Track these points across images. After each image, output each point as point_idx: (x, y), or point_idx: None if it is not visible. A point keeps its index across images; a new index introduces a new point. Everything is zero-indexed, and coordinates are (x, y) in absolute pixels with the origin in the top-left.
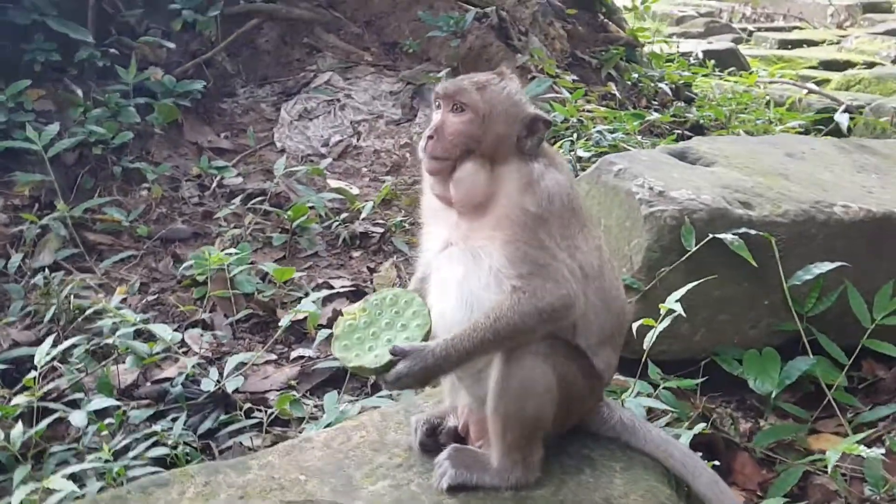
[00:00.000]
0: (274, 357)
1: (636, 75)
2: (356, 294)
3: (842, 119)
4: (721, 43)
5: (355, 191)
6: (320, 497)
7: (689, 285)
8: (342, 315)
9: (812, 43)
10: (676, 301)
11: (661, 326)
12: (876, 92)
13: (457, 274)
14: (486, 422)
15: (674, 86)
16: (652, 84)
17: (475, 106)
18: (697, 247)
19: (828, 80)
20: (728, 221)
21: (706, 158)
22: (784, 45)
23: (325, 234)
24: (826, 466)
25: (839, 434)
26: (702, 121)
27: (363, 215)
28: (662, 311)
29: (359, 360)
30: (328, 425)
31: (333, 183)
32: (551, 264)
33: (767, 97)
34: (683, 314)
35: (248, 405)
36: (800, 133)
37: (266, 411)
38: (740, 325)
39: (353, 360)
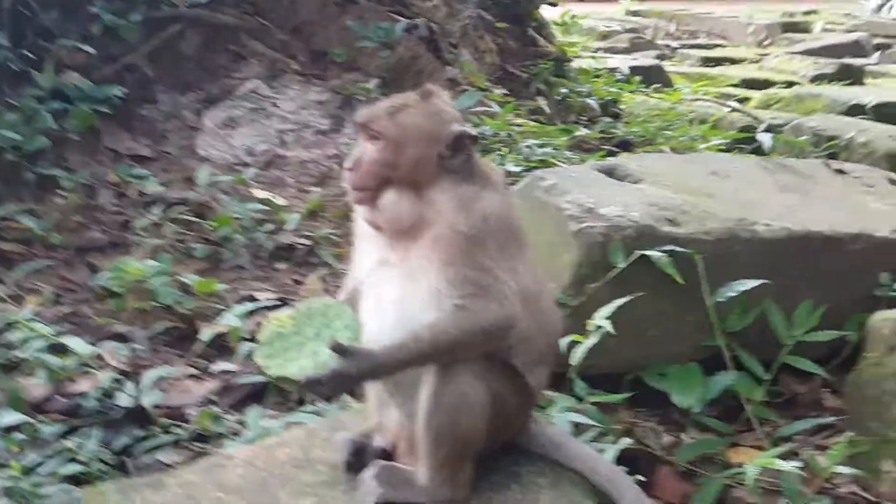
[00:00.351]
0: (194, 371)
1: (565, 90)
2: (281, 307)
3: (764, 139)
4: (646, 59)
5: (281, 201)
6: None
7: (617, 302)
8: (269, 321)
9: (733, 61)
10: (606, 318)
11: (589, 343)
12: (795, 111)
13: (393, 294)
14: (416, 438)
15: (601, 101)
16: (580, 99)
17: (386, 133)
18: (626, 264)
19: (749, 98)
20: (655, 238)
21: (634, 175)
22: (707, 62)
23: (249, 246)
24: (742, 480)
25: (758, 448)
26: (629, 137)
27: (290, 227)
28: (591, 328)
29: (281, 370)
30: (250, 442)
31: (258, 193)
32: (493, 285)
33: (692, 114)
34: (612, 331)
35: (166, 420)
36: (722, 150)
37: (186, 427)
38: (667, 341)
39: (276, 368)
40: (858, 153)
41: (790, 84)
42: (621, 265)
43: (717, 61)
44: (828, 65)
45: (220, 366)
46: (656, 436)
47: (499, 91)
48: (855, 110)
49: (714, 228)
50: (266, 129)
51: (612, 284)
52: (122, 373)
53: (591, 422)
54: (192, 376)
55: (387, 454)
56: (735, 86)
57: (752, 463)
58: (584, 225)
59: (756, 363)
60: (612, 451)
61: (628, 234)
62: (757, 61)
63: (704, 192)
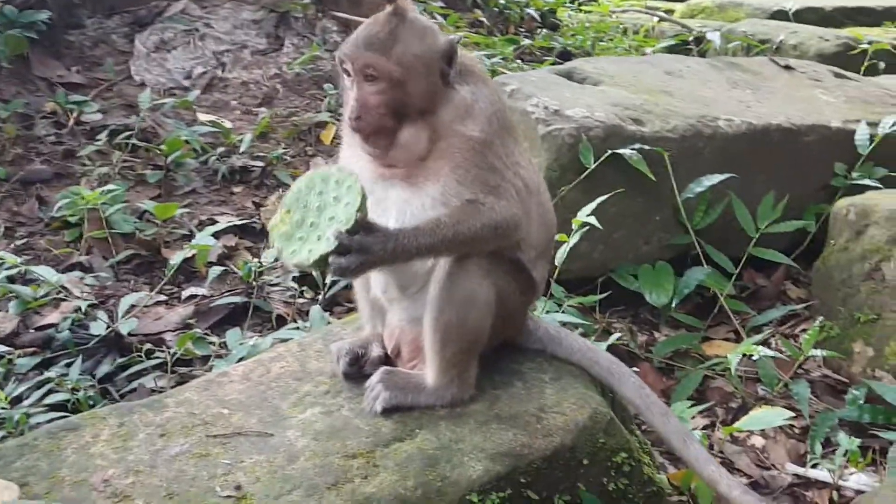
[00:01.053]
0: (164, 298)
1: (502, 1)
2: (245, 230)
3: (714, 37)
4: None
5: (228, 124)
6: (248, 429)
7: (600, 198)
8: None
9: None
10: (589, 215)
11: (573, 240)
12: (720, 19)
13: (398, 196)
14: (421, 340)
15: (539, 13)
16: (518, 10)
17: (388, 73)
18: (596, 163)
19: (672, 10)
20: (622, 138)
21: (592, 78)
22: None
23: (201, 170)
24: (722, 370)
25: (729, 340)
26: (568, 48)
27: (242, 149)
28: (575, 226)
29: (294, 258)
30: (241, 359)
31: (203, 117)
32: (501, 185)
33: (622, 25)
34: (600, 226)
35: (144, 347)
36: None
37: (168, 351)
38: (634, 242)
39: (288, 257)
40: (790, 55)
41: None
42: (591, 166)
43: None
44: None
45: (190, 290)
46: (632, 334)
47: (436, 3)
48: (778, 16)
49: (678, 126)
50: (202, 51)
51: (581, 186)
52: (89, 303)
53: (575, 321)
54: (161, 303)
55: (386, 362)
56: None
57: (733, 352)
58: (552, 127)
59: (724, 258)
60: (602, 347)
61: (596, 135)
62: None
63: (662, 90)
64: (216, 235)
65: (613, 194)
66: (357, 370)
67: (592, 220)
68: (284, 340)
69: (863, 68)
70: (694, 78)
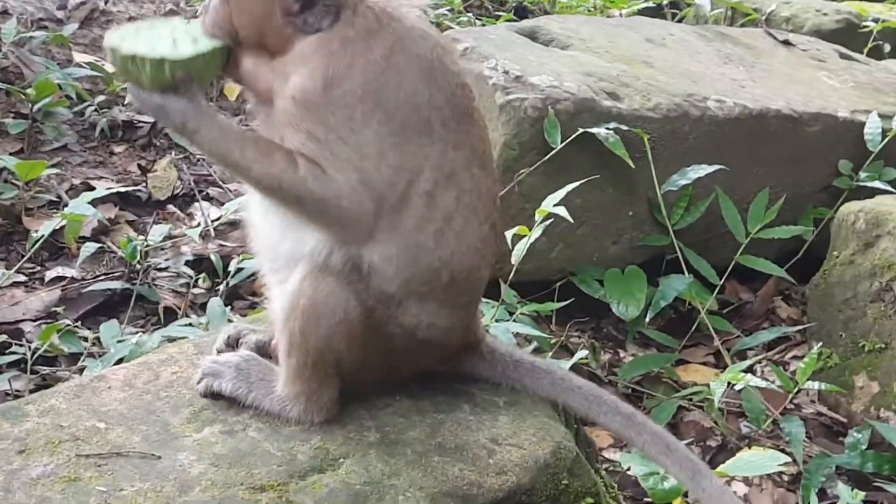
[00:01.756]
0: (23, 278)
1: None
2: (127, 199)
3: (703, 1)
4: None
5: (109, 68)
6: (130, 448)
7: (569, 186)
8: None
9: None
10: (557, 205)
11: (534, 235)
12: None
13: None
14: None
15: None
16: None
17: None
18: (564, 143)
19: None
20: (595, 115)
21: (560, 40)
22: None
23: (75, 123)
24: (700, 401)
25: (707, 364)
26: (524, 3)
27: (128, 99)
28: (538, 217)
29: (134, 47)
30: (120, 361)
31: (80, 57)
32: (330, 161)
33: None
34: (570, 219)
35: (1, 338)
36: None
37: (28, 346)
38: (601, 240)
39: (127, 46)
40: (782, 29)
41: None
42: (558, 145)
43: None
44: None
45: (56, 271)
46: (594, 351)
47: None
48: None
49: (661, 104)
50: None
51: (543, 169)
52: None
53: (530, 332)
54: (20, 284)
55: (264, 352)
56: None
57: (717, 380)
58: (512, 97)
59: (706, 265)
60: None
61: (564, 109)
62: None
63: (642, 60)
64: (92, 204)
65: (587, 181)
66: (233, 351)
67: (562, 211)
68: (175, 339)
69: (865, 49)
70: (679, 48)
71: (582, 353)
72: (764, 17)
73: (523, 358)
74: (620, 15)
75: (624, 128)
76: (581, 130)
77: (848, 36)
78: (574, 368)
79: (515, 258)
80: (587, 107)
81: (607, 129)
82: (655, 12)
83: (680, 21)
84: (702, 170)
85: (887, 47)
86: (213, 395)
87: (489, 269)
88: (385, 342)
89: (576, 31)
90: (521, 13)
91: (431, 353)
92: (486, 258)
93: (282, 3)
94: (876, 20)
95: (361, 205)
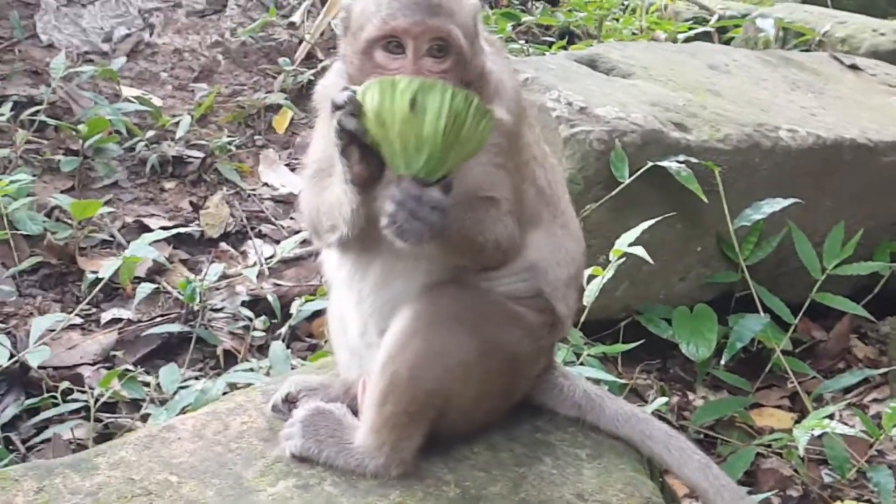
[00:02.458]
0: (79, 320)
1: None
2: (181, 239)
3: (765, 25)
4: None
5: (157, 101)
6: None
7: (645, 223)
8: None
9: None
10: (632, 244)
11: (608, 274)
12: (745, 0)
13: None
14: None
15: None
16: None
17: (459, 44)
18: (633, 177)
19: None
20: (663, 147)
21: (621, 69)
22: None
23: (125, 159)
24: (780, 447)
25: (782, 408)
26: (571, 27)
27: (178, 134)
28: (613, 257)
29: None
30: (185, 409)
31: (127, 91)
32: (508, 198)
33: (625, 3)
34: (651, 260)
35: (64, 384)
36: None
37: (90, 392)
38: (668, 277)
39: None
40: (838, 50)
41: None
42: (626, 180)
43: None
44: None
45: (112, 313)
46: (664, 394)
47: None
48: (814, 0)
49: (730, 135)
50: (125, 7)
51: (609, 204)
52: None
53: (598, 376)
54: (76, 326)
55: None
56: None
57: (800, 426)
58: (577, 129)
59: (779, 303)
60: None
61: (631, 141)
62: None
63: (707, 89)
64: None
65: (663, 218)
66: (289, 406)
67: (639, 251)
68: (239, 385)
69: None
70: (743, 74)
71: (661, 400)
72: (817, 39)
73: (599, 394)
74: (674, 40)
75: (693, 160)
76: (650, 164)
77: None
78: None
79: (588, 299)
80: (655, 139)
81: (678, 161)
82: (703, 35)
83: (727, 43)
84: (777, 203)
85: None
86: (294, 459)
87: None
88: (521, 359)
89: (637, 59)
90: (567, 37)
91: (539, 365)
92: None
93: (479, 31)
94: None
95: (518, 226)
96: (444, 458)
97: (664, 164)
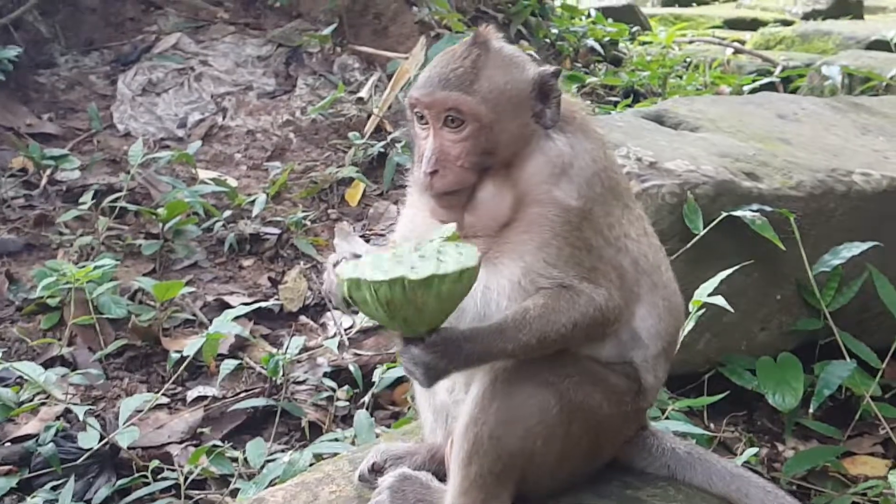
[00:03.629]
0: (165, 400)
1: (556, 31)
2: (259, 314)
3: (833, 72)
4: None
5: (232, 182)
6: None
7: (723, 273)
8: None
9: (701, 1)
10: (711, 294)
11: (689, 326)
12: (805, 50)
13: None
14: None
15: (600, 44)
16: (574, 42)
17: (476, 114)
18: (707, 228)
19: (741, 41)
20: (736, 197)
21: (689, 123)
22: (669, 3)
23: (203, 239)
24: (876, 495)
25: (875, 455)
26: (634, 86)
27: (254, 212)
28: (693, 308)
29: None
30: (274, 482)
31: (203, 174)
32: (598, 267)
33: (689, 59)
34: (731, 309)
35: (154, 463)
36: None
37: (180, 469)
38: (749, 327)
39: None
40: None
41: (785, 23)
42: (700, 231)
43: (682, 2)
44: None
45: (197, 391)
46: (752, 446)
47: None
48: (876, 46)
49: (803, 181)
50: (198, 94)
51: (685, 257)
52: (72, 406)
53: (686, 430)
54: (163, 406)
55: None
56: (718, 27)
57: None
58: (649, 184)
59: (865, 348)
60: None
61: (703, 193)
62: (731, 0)
63: (777, 138)
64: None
65: (740, 267)
66: (375, 475)
67: (720, 300)
68: (325, 456)
69: None
70: (813, 122)
71: (751, 451)
72: (885, 84)
73: (689, 451)
74: (739, 93)
75: (768, 209)
76: (724, 214)
77: None
78: None
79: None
80: (727, 189)
81: (752, 211)
82: (768, 87)
83: (793, 93)
84: (855, 248)
85: None
86: None
87: None
88: (605, 423)
89: (704, 112)
90: (633, 96)
91: (627, 430)
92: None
93: (530, 106)
94: None
95: (623, 297)
96: None
97: (738, 213)
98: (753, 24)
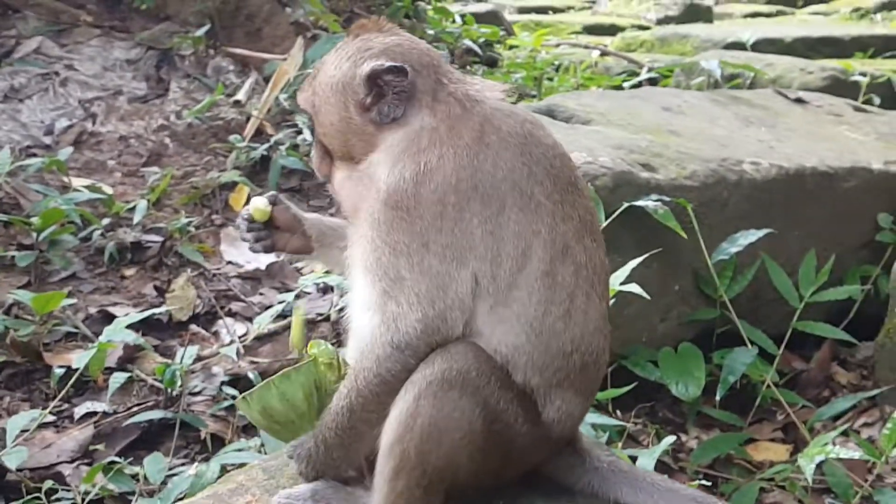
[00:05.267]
0: (51, 418)
1: (432, 32)
2: (149, 324)
3: (712, 66)
4: (480, 5)
5: (108, 190)
6: None
7: (633, 262)
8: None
9: (556, 9)
10: (624, 283)
11: None
12: (666, 52)
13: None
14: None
15: (477, 45)
16: (451, 43)
17: (307, 106)
18: (610, 219)
19: (603, 45)
20: (635, 188)
21: (580, 116)
22: (525, 10)
23: (80, 249)
24: (780, 480)
25: (775, 441)
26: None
27: (135, 220)
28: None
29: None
30: (180, 498)
31: (76, 181)
32: (405, 279)
33: (557, 62)
34: (646, 295)
35: (47, 484)
36: None
37: (76, 490)
38: (649, 319)
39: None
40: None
41: (641, 28)
42: (603, 222)
43: (538, 10)
44: (671, 6)
45: (86, 406)
46: (659, 438)
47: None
48: (733, 48)
49: (696, 171)
50: (64, 99)
51: None
52: None
53: (603, 422)
54: (48, 424)
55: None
56: (579, 33)
57: (805, 455)
58: None
59: (762, 335)
60: (648, 459)
61: (603, 184)
62: (587, 8)
63: (667, 130)
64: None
65: (651, 255)
66: None
67: (635, 288)
68: (230, 468)
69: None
70: (697, 114)
71: (669, 440)
72: (748, 81)
73: (614, 466)
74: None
75: (666, 199)
76: (626, 204)
77: (835, 92)
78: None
79: None
80: (625, 180)
81: (653, 200)
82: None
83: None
84: (752, 235)
85: (877, 100)
86: None
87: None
88: (508, 445)
89: (593, 106)
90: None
91: (548, 449)
92: (607, 338)
93: (354, 101)
94: (863, 74)
95: (440, 308)
96: None
97: (641, 203)
98: (612, 30)
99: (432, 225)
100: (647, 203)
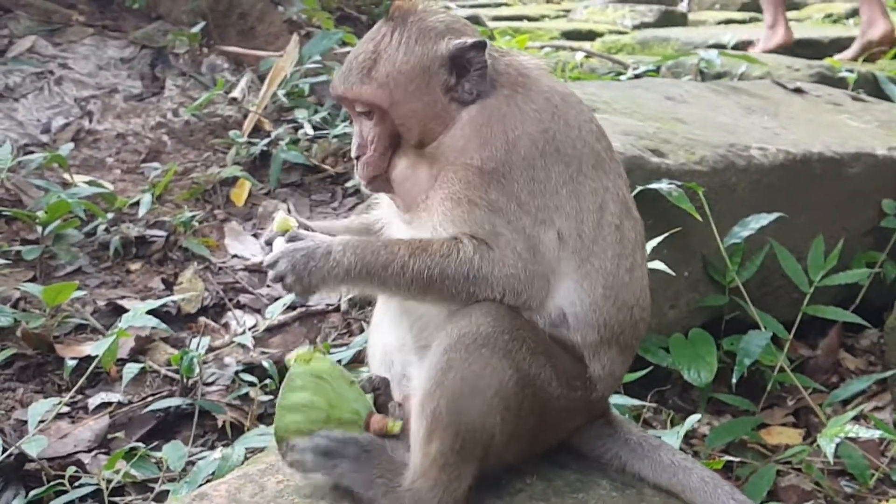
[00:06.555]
0: (65, 409)
1: None
2: (158, 316)
3: (711, 56)
4: (460, 10)
5: (109, 186)
6: None
7: (654, 241)
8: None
9: (530, 18)
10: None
11: None
12: (644, 55)
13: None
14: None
15: None
16: None
17: (374, 101)
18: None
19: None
20: (646, 173)
21: (586, 104)
22: (499, 18)
23: (85, 244)
24: (796, 463)
25: (786, 425)
26: None
27: (140, 214)
28: None
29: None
30: (208, 480)
31: (78, 178)
32: (501, 232)
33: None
34: (671, 272)
35: (70, 471)
36: None
37: (100, 476)
38: (659, 305)
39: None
40: None
41: (619, 33)
42: None
43: (513, 18)
44: (647, 13)
45: (100, 397)
46: (672, 423)
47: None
48: (714, 49)
49: (706, 156)
50: (60, 97)
51: None
52: None
53: (629, 403)
54: (63, 415)
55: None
56: (557, 38)
57: (824, 435)
58: None
59: (772, 320)
60: (672, 439)
61: None
62: (563, 16)
63: (673, 118)
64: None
65: (661, 240)
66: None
67: (661, 265)
68: (260, 449)
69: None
70: (701, 103)
71: (694, 418)
72: (735, 78)
73: (642, 441)
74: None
75: (677, 183)
76: (639, 188)
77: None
78: None
79: None
80: (637, 165)
81: (668, 184)
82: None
83: None
84: (763, 219)
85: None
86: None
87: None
88: (554, 405)
89: (597, 95)
90: None
91: (588, 412)
92: (649, 297)
93: (438, 82)
94: (850, 70)
95: (531, 271)
96: (499, 492)
97: (655, 186)
98: (591, 35)
99: (524, 187)
100: (661, 186)
